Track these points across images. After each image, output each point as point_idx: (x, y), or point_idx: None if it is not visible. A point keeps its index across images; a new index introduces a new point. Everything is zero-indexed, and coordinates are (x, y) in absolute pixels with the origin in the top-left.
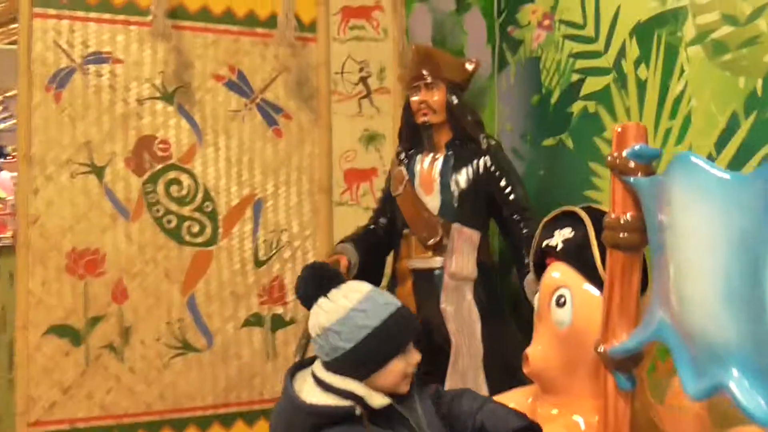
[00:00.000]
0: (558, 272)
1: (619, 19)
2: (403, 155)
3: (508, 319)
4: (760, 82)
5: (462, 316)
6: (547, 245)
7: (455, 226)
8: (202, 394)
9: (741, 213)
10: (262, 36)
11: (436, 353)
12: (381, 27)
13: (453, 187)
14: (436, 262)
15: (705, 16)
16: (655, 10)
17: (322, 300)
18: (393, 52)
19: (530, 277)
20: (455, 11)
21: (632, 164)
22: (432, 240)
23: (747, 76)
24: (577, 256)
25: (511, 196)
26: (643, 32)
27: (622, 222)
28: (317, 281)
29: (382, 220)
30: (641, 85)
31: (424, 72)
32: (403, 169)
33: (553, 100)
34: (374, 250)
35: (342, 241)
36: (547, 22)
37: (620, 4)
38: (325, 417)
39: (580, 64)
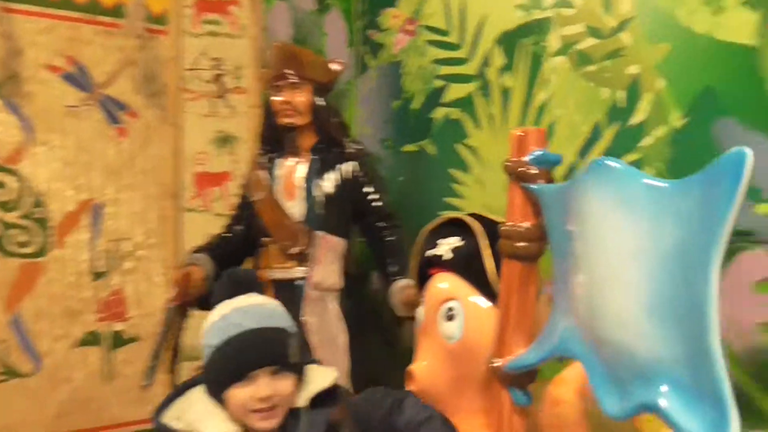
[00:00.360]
0: (446, 283)
1: (485, 28)
2: (263, 158)
3: (374, 330)
4: (622, 94)
5: (325, 329)
6: (432, 255)
7: (319, 233)
8: (29, 424)
9: (676, 222)
10: (106, 25)
11: None
12: (238, 23)
13: (317, 193)
14: (298, 271)
15: (570, 28)
16: (520, 20)
17: None
18: (250, 50)
19: (397, 286)
20: (316, 11)
21: (534, 170)
22: (295, 249)
23: (610, 88)
24: (467, 266)
25: (377, 204)
26: (508, 41)
27: (520, 230)
28: (230, 289)
29: (238, 228)
30: (505, 94)
31: (289, 71)
32: (263, 173)
33: (415, 105)
34: (230, 260)
35: (195, 251)
36: (409, 27)
37: (485, 13)
38: None
39: (444, 70)
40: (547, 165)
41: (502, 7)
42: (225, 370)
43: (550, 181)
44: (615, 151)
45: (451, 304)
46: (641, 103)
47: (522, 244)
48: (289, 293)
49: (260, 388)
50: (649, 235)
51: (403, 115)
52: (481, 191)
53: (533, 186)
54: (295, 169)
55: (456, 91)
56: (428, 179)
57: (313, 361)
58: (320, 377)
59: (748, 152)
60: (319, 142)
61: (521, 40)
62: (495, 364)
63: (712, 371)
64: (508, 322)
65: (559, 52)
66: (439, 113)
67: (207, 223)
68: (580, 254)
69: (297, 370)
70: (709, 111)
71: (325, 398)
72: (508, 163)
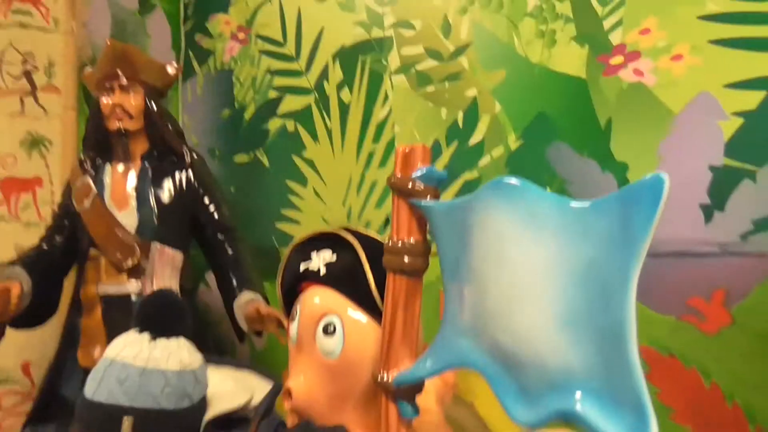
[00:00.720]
0: (323, 298)
1: (322, 42)
2: (88, 164)
3: (213, 347)
4: (461, 114)
5: None
6: (306, 269)
7: (155, 245)
8: None
9: (590, 240)
10: None
11: None
12: (51, 16)
13: (152, 202)
14: (133, 286)
15: (409, 48)
16: (359, 36)
17: None
18: (65, 46)
19: (242, 300)
20: (137, 11)
21: (421, 186)
22: (129, 261)
23: (449, 108)
24: (345, 280)
25: (216, 215)
26: (346, 57)
27: (406, 246)
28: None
29: (58, 239)
30: (344, 108)
31: (120, 72)
32: (89, 180)
33: (247, 115)
34: (50, 275)
35: (9, 263)
36: (242, 35)
37: (323, 27)
38: None
39: (279, 81)
40: (434, 182)
41: (340, 23)
42: None
43: (437, 197)
44: (454, 168)
45: (329, 318)
46: (479, 125)
47: (409, 259)
48: (123, 310)
49: None
50: (561, 253)
51: (234, 125)
52: (320, 204)
53: (421, 202)
54: (126, 176)
55: (292, 102)
56: (263, 190)
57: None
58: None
59: (666, 177)
60: (152, 149)
61: (361, 57)
62: (382, 379)
63: (630, 379)
64: (393, 336)
65: (399, 71)
66: (274, 124)
67: (15, 233)
68: (479, 270)
69: None
70: (542, 134)
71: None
72: (394, 179)
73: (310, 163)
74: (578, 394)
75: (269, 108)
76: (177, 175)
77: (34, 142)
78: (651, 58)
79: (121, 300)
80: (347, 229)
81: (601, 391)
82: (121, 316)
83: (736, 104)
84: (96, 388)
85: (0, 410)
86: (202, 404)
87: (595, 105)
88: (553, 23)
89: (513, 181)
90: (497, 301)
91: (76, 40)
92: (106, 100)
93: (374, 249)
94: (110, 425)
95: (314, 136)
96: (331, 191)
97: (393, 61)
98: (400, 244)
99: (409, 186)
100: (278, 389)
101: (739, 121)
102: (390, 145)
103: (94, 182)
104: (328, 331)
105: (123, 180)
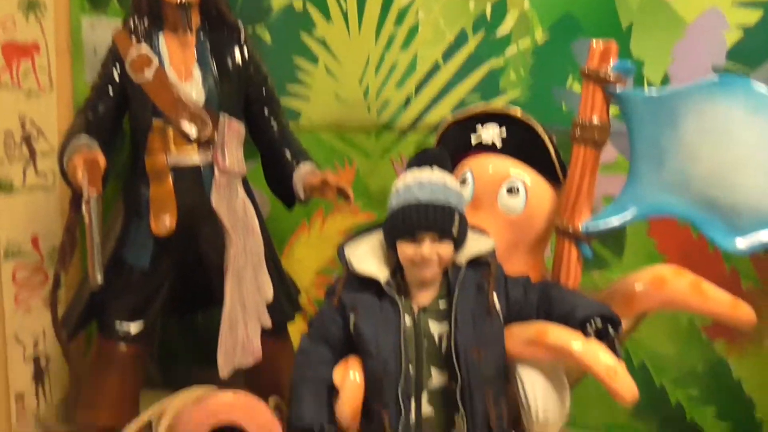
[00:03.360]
0: (503, 165)
1: None
2: (140, 32)
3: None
4: (489, 6)
5: (236, 215)
6: (478, 143)
7: (224, 116)
8: None
9: None
10: None
11: (208, 256)
12: None
13: (215, 74)
14: (203, 157)
15: None
16: None
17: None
18: None
19: (302, 170)
20: None
21: (615, 76)
22: (202, 133)
23: (477, 0)
24: (524, 150)
25: (264, 90)
26: None
27: (595, 124)
28: (420, 160)
29: (102, 109)
30: None
31: None
32: (147, 49)
33: None
34: (105, 144)
35: (71, 134)
36: None
37: None
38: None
39: None
40: (626, 73)
41: None
42: (398, 228)
43: (624, 85)
44: (480, 56)
45: (512, 181)
46: (507, 18)
47: (597, 135)
48: (194, 180)
49: (424, 248)
50: None
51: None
52: (332, 82)
53: (618, 91)
54: (184, 48)
55: None
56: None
57: (475, 231)
58: (480, 244)
59: None
60: (206, 21)
61: None
62: (566, 228)
63: None
64: (580, 195)
65: None
66: (277, 2)
67: (18, 103)
68: (691, 144)
69: (457, 239)
70: (569, 31)
71: (481, 261)
72: (588, 70)
73: (321, 42)
74: None
75: None
76: (234, 48)
77: (31, 5)
78: None
79: (191, 170)
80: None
81: None
82: (191, 186)
83: (739, 19)
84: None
85: (15, 284)
86: None
87: (618, 11)
88: None
89: (739, 78)
90: (712, 168)
91: None
92: None
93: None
94: None
95: (327, 16)
96: (346, 70)
97: None
98: (589, 123)
99: (605, 76)
100: None
101: (740, 33)
102: (413, 30)
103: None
104: (512, 191)
105: (181, 51)
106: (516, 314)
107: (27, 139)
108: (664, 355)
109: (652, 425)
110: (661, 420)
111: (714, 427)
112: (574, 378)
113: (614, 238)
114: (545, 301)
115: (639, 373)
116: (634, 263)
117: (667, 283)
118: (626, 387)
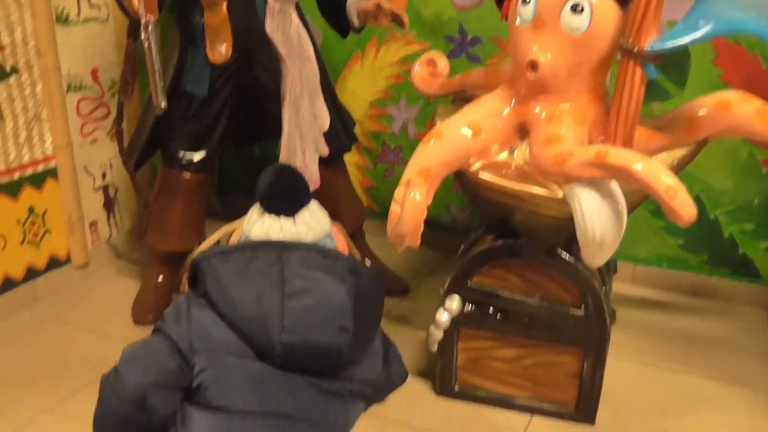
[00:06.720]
0: None
1: None
2: None
3: None
4: None
5: (291, 42)
6: None
7: None
8: None
9: None
10: None
11: (264, 83)
12: None
13: None
14: None
15: None
16: None
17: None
18: None
19: None
20: None
21: None
22: None
23: None
24: None
25: None
26: None
27: None
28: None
29: None
30: None
31: None
32: None
33: None
34: None
35: None
36: None
37: None
38: None
39: None
40: None
41: None
42: None
43: None
44: None
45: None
46: None
47: None
48: (246, 6)
49: None
50: None
51: None
52: None
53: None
54: None
55: None
56: None
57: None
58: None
59: None
60: None
61: None
62: (631, 48)
63: None
64: (647, 13)
65: None
66: None
67: None
68: None
69: None
70: None
71: None
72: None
73: None
74: None
75: None
76: None
77: None
78: None
79: None
80: None
81: None
82: (244, 13)
83: None
84: None
85: (80, 116)
86: None
87: None
88: None
89: None
90: None
91: None
92: None
93: None
94: None
95: None
96: None
97: None
98: None
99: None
100: None
101: None
102: None
103: None
104: (576, 9)
105: None
106: None
107: None
108: (720, 189)
109: (703, 258)
110: (712, 253)
111: (765, 260)
112: (631, 202)
113: (677, 68)
114: None
115: None
116: (697, 95)
117: (732, 107)
118: (685, 207)
